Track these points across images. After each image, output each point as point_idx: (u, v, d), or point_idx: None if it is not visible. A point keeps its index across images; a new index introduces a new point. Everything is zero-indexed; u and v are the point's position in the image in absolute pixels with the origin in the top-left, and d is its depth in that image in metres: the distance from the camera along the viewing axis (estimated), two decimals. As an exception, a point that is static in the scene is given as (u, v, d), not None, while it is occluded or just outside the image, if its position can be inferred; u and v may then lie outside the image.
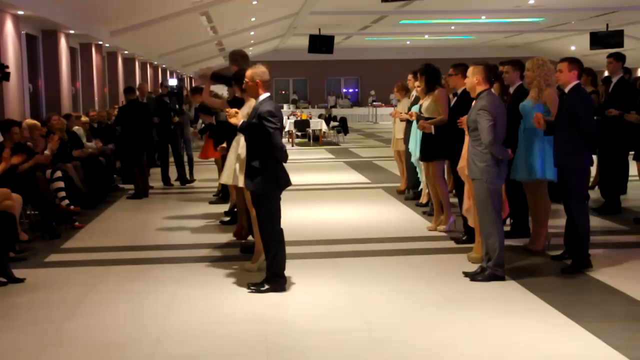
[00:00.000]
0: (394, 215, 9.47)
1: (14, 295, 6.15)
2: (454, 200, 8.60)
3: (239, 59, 7.73)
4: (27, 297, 6.06)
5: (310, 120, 22.23)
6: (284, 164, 6.11)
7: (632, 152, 9.30)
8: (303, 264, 6.92)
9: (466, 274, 6.36)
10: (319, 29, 23.07)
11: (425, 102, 8.49)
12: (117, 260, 7.36)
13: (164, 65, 27.16)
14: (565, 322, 5.19)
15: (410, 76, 10.14)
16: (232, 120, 6.05)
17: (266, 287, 6.02)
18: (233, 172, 6.94)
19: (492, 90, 6.39)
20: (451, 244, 7.67)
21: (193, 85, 32.95)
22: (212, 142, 10.35)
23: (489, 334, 5.01)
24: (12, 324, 5.42)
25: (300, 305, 5.75)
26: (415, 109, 9.31)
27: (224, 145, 8.42)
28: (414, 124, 9.10)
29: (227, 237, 8.24)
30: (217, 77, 7.81)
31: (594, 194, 10.46)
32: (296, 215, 9.21)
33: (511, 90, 7.62)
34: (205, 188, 12.14)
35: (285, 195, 6.25)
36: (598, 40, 23.06)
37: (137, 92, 12.19)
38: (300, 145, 21.57)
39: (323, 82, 38.70)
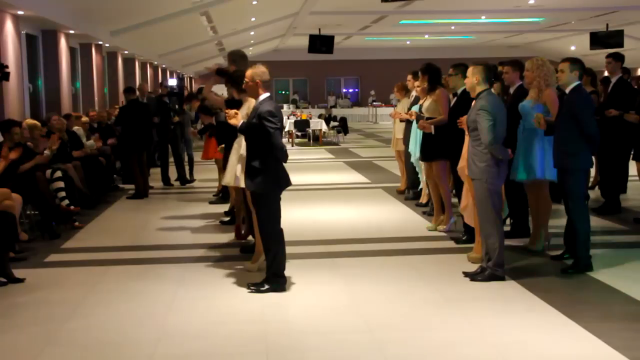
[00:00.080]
0: (394, 215, 9.47)
1: (14, 295, 6.15)
2: (454, 200, 8.60)
3: (238, 59, 7.73)
4: (27, 297, 6.06)
5: (310, 120, 22.23)
6: (284, 164, 6.11)
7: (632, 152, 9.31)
8: (303, 264, 6.92)
9: (466, 274, 6.37)
10: (319, 29, 23.07)
11: (426, 102, 8.49)
12: (117, 260, 7.36)
13: (164, 65, 27.17)
14: (565, 322, 5.19)
15: (409, 76, 10.14)
16: (232, 122, 6.04)
17: (266, 287, 6.02)
18: (235, 174, 6.94)
19: (492, 90, 6.40)
20: (451, 244, 7.68)
21: (193, 85, 32.99)
22: (212, 142, 10.35)
23: (489, 334, 5.01)
24: (12, 324, 5.42)
25: (300, 305, 5.75)
26: (415, 109, 9.31)
27: (223, 146, 8.44)
28: (414, 124, 9.11)
29: (227, 237, 8.25)
30: (222, 72, 7.81)
31: (594, 194, 10.46)
32: (296, 215, 9.22)
33: (511, 90, 7.63)
34: (205, 188, 12.14)
35: (285, 195, 6.25)
36: (598, 40, 23.06)
37: (137, 92, 12.19)
38: (300, 145, 21.57)
39: (323, 82, 38.70)
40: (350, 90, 39.41)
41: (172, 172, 12.80)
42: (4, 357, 4.81)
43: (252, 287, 6.06)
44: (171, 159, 12.96)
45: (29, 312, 5.71)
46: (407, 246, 7.70)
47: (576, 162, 6.40)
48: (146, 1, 15.51)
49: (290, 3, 19.53)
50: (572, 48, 30.55)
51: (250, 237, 7.70)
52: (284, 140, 16.96)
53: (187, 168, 13.02)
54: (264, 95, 6.07)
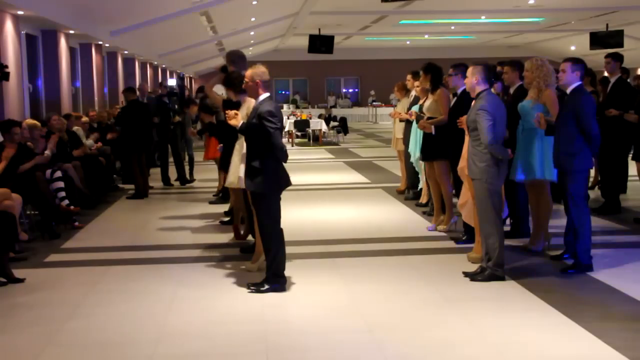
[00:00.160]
0: (394, 215, 9.47)
1: (14, 295, 6.15)
2: (454, 200, 8.59)
3: (237, 59, 7.71)
4: (27, 297, 6.06)
5: (310, 120, 22.23)
6: (284, 164, 6.11)
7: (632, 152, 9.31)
8: (303, 264, 6.92)
9: (466, 274, 6.37)
10: (319, 29, 23.07)
11: (427, 102, 8.49)
12: (117, 260, 7.36)
13: (164, 65, 27.15)
14: (565, 322, 5.19)
15: (409, 76, 10.13)
16: (232, 122, 6.04)
17: (266, 287, 6.02)
18: (239, 175, 6.92)
19: (492, 90, 6.39)
20: (451, 244, 7.68)
21: (193, 84, 32.97)
22: (213, 143, 10.34)
23: (488, 333, 5.01)
24: (12, 324, 5.42)
25: (300, 305, 5.75)
26: (415, 108, 9.31)
27: (221, 145, 8.43)
28: (414, 124, 9.11)
29: (227, 237, 8.25)
30: (227, 71, 7.80)
31: (594, 194, 10.46)
32: (296, 215, 9.22)
33: (511, 90, 7.63)
34: (205, 188, 12.14)
35: (285, 195, 6.25)
36: (598, 40, 23.06)
37: (138, 92, 12.19)
38: (300, 145, 21.57)
39: (323, 82, 38.68)
40: (350, 90, 39.39)
41: (172, 172, 12.80)
42: (4, 357, 4.81)
43: (252, 287, 6.06)
44: (171, 159, 12.97)
45: (29, 312, 5.70)
46: (407, 246, 7.70)
47: (577, 162, 6.38)
48: (146, 1, 15.50)
49: (290, 3, 19.53)
50: (572, 48, 30.55)
51: (250, 237, 7.71)
52: (284, 140, 16.97)
53: (187, 168, 13.03)
54: (264, 95, 6.07)
